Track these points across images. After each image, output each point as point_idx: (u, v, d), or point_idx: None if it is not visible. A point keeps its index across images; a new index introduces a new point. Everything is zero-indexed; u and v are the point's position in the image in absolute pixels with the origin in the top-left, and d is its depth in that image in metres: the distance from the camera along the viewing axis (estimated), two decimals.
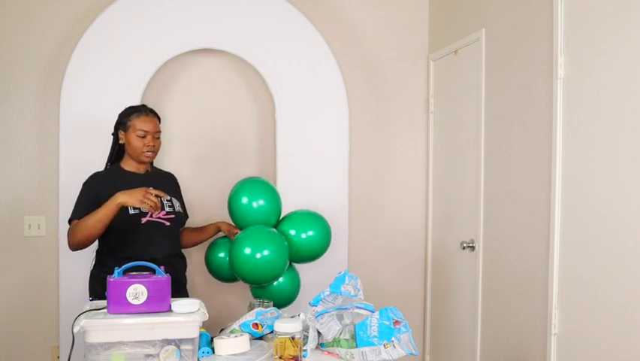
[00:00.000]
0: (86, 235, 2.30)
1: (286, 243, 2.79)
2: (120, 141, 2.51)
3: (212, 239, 2.94)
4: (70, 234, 2.36)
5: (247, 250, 2.66)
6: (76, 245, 2.36)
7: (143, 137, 2.45)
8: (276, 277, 2.77)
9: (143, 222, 2.41)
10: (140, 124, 2.45)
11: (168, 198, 2.44)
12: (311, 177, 3.28)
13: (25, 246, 3.21)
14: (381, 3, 3.60)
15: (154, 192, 2.27)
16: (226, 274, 2.89)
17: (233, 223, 2.89)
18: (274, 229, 2.83)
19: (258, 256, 2.65)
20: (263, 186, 2.89)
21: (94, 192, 2.40)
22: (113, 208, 2.26)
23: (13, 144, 3.20)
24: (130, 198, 2.24)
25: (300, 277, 2.98)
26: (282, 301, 2.87)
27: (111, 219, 2.28)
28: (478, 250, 2.99)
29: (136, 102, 2.99)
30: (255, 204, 2.81)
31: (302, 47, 3.29)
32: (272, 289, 2.85)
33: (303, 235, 2.85)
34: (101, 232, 2.31)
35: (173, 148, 3.31)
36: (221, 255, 2.86)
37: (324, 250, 2.93)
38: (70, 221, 2.41)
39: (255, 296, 2.92)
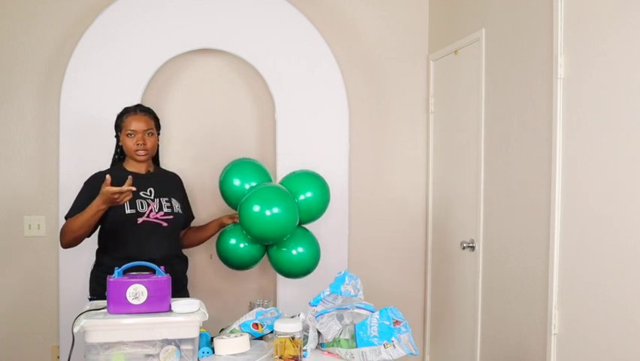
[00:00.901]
0: (73, 235, 2.34)
1: (295, 200, 2.79)
2: (120, 143, 2.53)
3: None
4: (61, 232, 2.39)
5: (256, 208, 2.66)
6: (66, 244, 2.40)
7: (133, 136, 2.45)
8: (285, 235, 2.77)
9: (139, 222, 2.42)
10: (129, 124, 2.46)
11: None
12: None
13: (25, 246, 3.21)
14: (381, 3, 3.60)
15: (113, 189, 2.20)
16: (238, 262, 2.87)
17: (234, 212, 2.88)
18: (282, 187, 2.83)
19: (268, 213, 2.66)
20: (256, 169, 2.88)
21: (91, 192, 2.39)
22: (95, 211, 2.27)
23: (13, 144, 3.20)
24: (105, 202, 2.24)
25: (319, 247, 2.96)
26: (301, 270, 2.88)
27: (96, 221, 2.32)
28: (478, 250, 2.99)
29: (136, 102, 2.99)
30: (247, 187, 2.80)
31: (302, 47, 3.29)
32: (291, 259, 2.84)
33: (302, 197, 2.84)
34: (87, 233, 2.36)
35: (173, 148, 3.31)
36: (232, 241, 2.84)
37: (322, 211, 2.93)
38: (66, 218, 2.44)
39: (273, 265, 2.91)
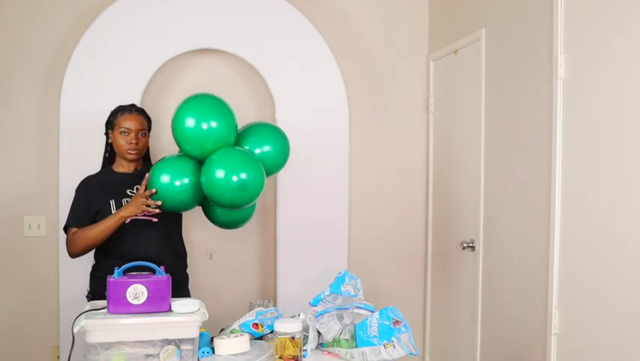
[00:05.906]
0: (86, 245, 2.36)
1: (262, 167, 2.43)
2: (109, 140, 2.52)
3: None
4: (69, 243, 2.40)
5: (220, 174, 2.30)
6: (75, 254, 2.41)
7: (127, 134, 2.45)
8: (252, 200, 2.42)
9: (127, 221, 2.38)
10: (123, 122, 2.46)
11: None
12: (311, 177, 3.28)
13: (25, 246, 3.21)
14: (382, 3, 3.60)
15: (142, 190, 2.31)
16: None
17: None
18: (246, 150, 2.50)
19: (234, 178, 2.30)
20: (215, 104, 2.48)
21: (84, 197, 2.43)
22: (115, 222, 2.32)
23: (13, 144, 3.20)
24: (129, 211, 2.31)
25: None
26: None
27: (112, 232, 2.34)
28: (478, 250, 2.99)
29: (136, 102, 2.99)
30: (204, 126, 2.39)
31: (302, 47, 3.29)
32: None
33: (258, 150, 2.53)
34: (101, 243, 2.36)
35: (172, 148, 3.30)
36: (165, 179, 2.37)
37: (280, 166, 2.62)
38: (65, 228, 2.44)
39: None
